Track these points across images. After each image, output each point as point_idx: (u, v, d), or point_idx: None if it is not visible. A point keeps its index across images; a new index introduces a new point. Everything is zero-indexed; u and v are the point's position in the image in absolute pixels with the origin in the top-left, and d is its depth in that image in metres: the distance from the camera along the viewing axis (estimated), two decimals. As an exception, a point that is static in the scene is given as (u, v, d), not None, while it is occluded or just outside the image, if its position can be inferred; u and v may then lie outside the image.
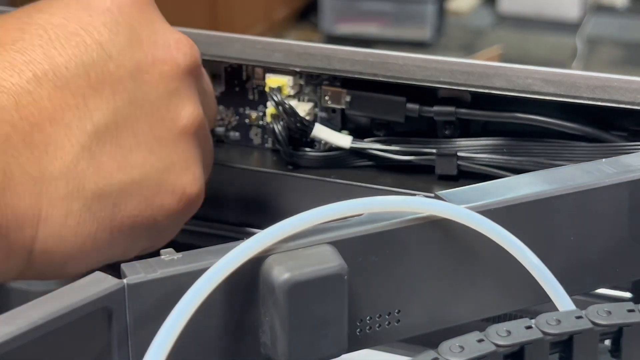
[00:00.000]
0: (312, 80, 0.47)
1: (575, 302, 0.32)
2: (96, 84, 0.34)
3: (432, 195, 0.34)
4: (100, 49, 0.34)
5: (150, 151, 0.35)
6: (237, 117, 0.49)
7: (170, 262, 0.30)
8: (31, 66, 0.33)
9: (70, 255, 0.34)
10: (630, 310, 0.30)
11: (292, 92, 0.46)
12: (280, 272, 0.29)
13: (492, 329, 0.29)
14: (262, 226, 0.31)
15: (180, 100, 0.36)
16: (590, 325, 0.30)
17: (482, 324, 0.32)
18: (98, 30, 0.35)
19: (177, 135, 0.36)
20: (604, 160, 0.37)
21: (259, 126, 0.49)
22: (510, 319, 0.30)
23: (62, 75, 0.33)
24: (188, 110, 0.36)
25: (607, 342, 0.31)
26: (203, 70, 0.39)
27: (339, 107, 0.47)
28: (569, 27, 3.03)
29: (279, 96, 0.45)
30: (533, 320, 0.30)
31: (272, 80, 0.46)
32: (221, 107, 0.49)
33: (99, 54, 0.34)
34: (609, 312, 0.30)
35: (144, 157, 0.35)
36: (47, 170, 0.32)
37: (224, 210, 0.49)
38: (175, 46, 0.36)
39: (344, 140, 0.46)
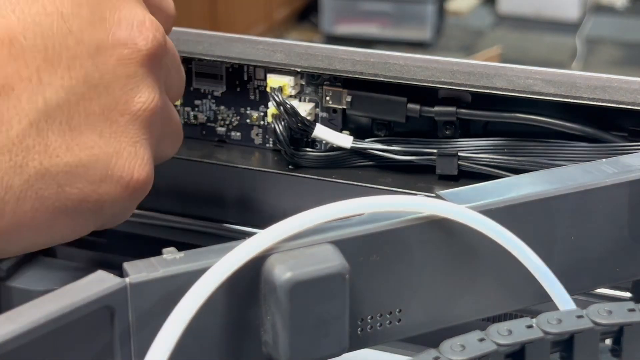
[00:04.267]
0: (313, 81, 0.47)
1: (575, 301, 0.32)
2: (52, 58, 0.32)
3: (433, 195, 0.34)
4: (62, 21, 0.33)
5: (100, 134, 0.34)
6: (238, 118, 0.49)
7: (173, 261, 0.30)
8: None
9: (5, 231, 0.32)
10: (630, 310, 0.30)
11: (293, 92, 0.47)
12: (282, 272, 0.29)
13: (493, 328, 0.29)
14: (263, 226, 0.31)
15: (136, 86, 0.35)
16: (591, 325, 0.30)
17: (483, 324, 0.32)
18: (61, 0, 0.33)
19: (129, 120, 0.34)
20: (604, 160, 0.37)
21: (260, 126, 0.49)
22: (511, 319, 0.30)
23: (19, 43, 0.32)
24: (143, 96, 0.35)
25: (608, 341, 0.31)
26: (169, 47, 0.38)
27: (340, 107, 0.47)
28: (569, 27, 3.03)
29: (280, 96, 0.46)
30: (534, 320, 0.30)
31: (273, 81, 0.46)
32: (222, 107, 0.49)
33: (59, 27, 0.33)
34: (610, 312, 0.30)
35: (94, 140, 0.33)
36: None
37: (226, 210, 0.49)
38: (138, 29, 0.35)
39: (344, 140, 0.46)
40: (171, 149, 0.40)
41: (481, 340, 0.29)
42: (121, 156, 0.34)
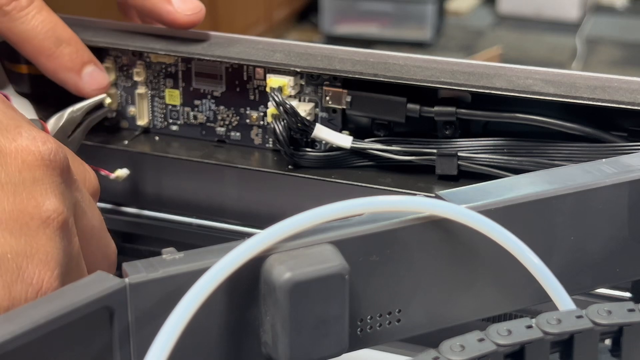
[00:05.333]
0: (312, 81, 0.47)
1: (575, 301, 0.32)
2: None
3: (433, 195, 0.34)
4: None
5: (10, 232, 0.33)
6: (238, 118, 0.49)
7: (172, 261, 0.30)
8: None
9: None
10: (630, 310, 0.30)
11: (292, 93, 0.47)
12: (281, 272, 0.29)
13: (493, 328, 0.29)
14: (262, 226, 0.31)
15: (44, 191, 0.34)
16: (590, 325, 0.30)
17: (482, 324, 0.32)
18: None
19: (39, 225, 0.34)
20: (604, 160, 0.37)
21: (259, 126, 0.49)
22: (510, 319, 0.30)
23: None
24: (52, 203, 0.34)
25: (608, 341, 0.31)
26: (74, 179, 0.37)
27: (339, 107, 0.47)
28: (569, 27, 3.03)
29: (279, 96, 0.46)
30: (533, 320, 0.30)
31: (273, 81, 0.46)
32: (222, 107, 0.49)
33: None
34: (609, 312, 0.30)
35: (4, 237, 0.33)
36: None
37: (226, 210, 0.49)
38: (41, 140, 0.35)
39: (344, 140, 0.46)
40: (104, 263, 0.38)
41: (481, 340, 0.29)
42: (32, 261, 0.33)
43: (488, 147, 0.45)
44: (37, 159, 0.35)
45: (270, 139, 0.49)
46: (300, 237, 0.31)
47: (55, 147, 0.36)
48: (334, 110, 0.47)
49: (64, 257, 0.34)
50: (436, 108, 0.45)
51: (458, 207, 0.32)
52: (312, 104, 0.47)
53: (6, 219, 0.33)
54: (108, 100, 0.49)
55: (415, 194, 0.42)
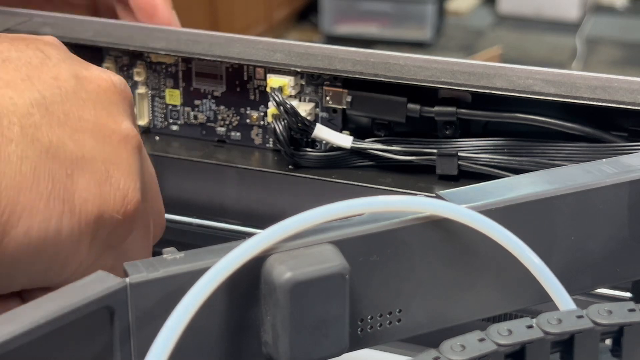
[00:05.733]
0: (313, 81, 0.47)
1: (575, 301, 0.32)
2: (38, 69, 0.34)
3: (433, 195, 0.34)
4: (40, 51, 0.35)
5: (96, 140, 0.34)
6: (238, 118, 0.49)
7: (173, 261, 0.30)
8: None
9: (20, 216, 0.31)
10: (631, 310, 0.30)
11: (293, 93, 0.47)
12: (282, 272, 0.29)
13: (493, 328, 0.29)
14: (263, 226, 0.31)
15: (120, 113, 0.35)
16: (591, 325, 0.30)
17: (483, 324, 0.32)
18: (38, 44, 0.35)
19: (120, 140, 0.34)
20: (604, 160, 0.37)
21: (260, 126, 0.49)
22: (511, 319, 0.30)
23: (2, 53, 0.33)
24: (129, 125, 0.35)
25: (608, 341, 0.31)
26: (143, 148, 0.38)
27: (340, 107, 0.47)
28: (569, 27, 3.03)
29: (280, 96, 0.46)
30: (534, 320, 0.30)
31: (273, 81, 0.46)
32: (222, 107, 0.49)
33: (40, 54, 0.35)
34: (610, 312, 0.30)
35: (91, 143, 0.33)
36: (3, 107, 0.31)
37: (226, 210, 0.49)
38: (112, 73, 0.36)
39: (344, 140, 0.46)
40: (158, 228, 0.39)
41: (481, 340, 0.29)
42: (117, 169, 0.34)
43: (488, 147, 0.45)
44: (112, 86, 0.36)
45: (271, 139, 0.49)
46: (301, 237, 0.31)
47: (126, 83, 0.37)
48: (335, 110, 0.47)
49: (141, 176, 0.35)
50: (436, 108, 0.45)
51: (458, 207, 0.32)
52: (312, 104, 0.47)
53: (91, 129, 0.34)
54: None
55: (415, 194, 0.42)
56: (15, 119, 0.31)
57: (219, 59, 0.47)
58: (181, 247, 0.31)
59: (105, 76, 0.36)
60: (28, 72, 0.33)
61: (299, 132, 0.47)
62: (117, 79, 0.36)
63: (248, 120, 0.49)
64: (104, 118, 0.34)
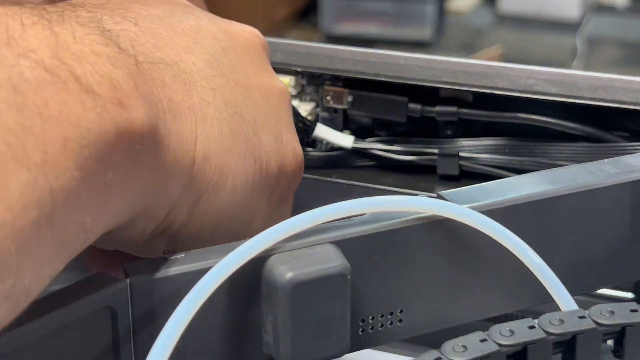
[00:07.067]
0: (314, 80, 0.47)
1: (577, 302, 0.32)
2: (196, 30, 0.34)
3: (434, 195, 0.34)
4: (189, 12, 0.35)
5: (263, 97, 0.35)
6: (239, 117, 0.49)
7: (174, 261, 0.30)
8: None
9: (225, 174, 0.32)
10: (633, 311, 0.30)
11: (294, 92, 0.47)
12: (283, 272, 0.29)
13: (495, 328, 0.29)
14: (264, 226, 0.31)
15: (269, 69, 0.37)
16: (593, 325, 0.30)
17: (484, 324, 0.32)
18: (182, 8, 0.35)
19: (279, 96, 0.36)
20: (606, 160, 0.37)
21: (260, 126, 0.49)
22: (512, 319, 0.30)
23: (161, 19, 0.33)
24: (278, 79, 0.37)
25: (610, 342, 0.31)
26: None
27: (340, 107, 0.47)
28: (569, 27, 3.03)
29: (280, 96, 0.45)
30: (536, 320, 0.30)
31: (274, 80, 0.46)
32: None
33: (189, 15, 0.35)
34: (612, 312, 0.30)
35: (261, 101, 0.35)
36: (192, 71, 0.32)
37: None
38: (245, 26, 0.37)
39: (345, 140, 0.46)
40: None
41: (483, 340, 0.29)
42: (284, 124, 0.36)
43: (489, 147, 0.45)
44: (257, 39, 0.37)
45: (272, 139, 0.49)
46: (302, 237, 0.31)
47: (259, 32, 0.38)
48: (335, 110, 0.47)
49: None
50: (437, 108, 0.45)
51: (460, 207, 0.32)
52: (313, 104, 0.47)
53: (256, 86, 0.35)
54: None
55: (416, 194, 0.42)
56: (205, 83, 0.32)
57: (219, 59, 0.47)
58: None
59: (248, 30, 0.37)
60: (195, 36, 0.34)
61: (299, 132, 0.46)
62: (256, 31, 0.37)
63: (249, 120, 0.49)
64: (262, 73, 0.36)
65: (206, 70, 0.33)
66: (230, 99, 0.33)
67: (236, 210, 0.33)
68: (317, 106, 0.47)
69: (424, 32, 2.95)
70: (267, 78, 0.36)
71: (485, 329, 0.29)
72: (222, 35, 0.35)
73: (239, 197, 0.33)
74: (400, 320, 0.33)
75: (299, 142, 0.36)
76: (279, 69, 0.46)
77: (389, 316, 0.33)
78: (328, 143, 0.47)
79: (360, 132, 0.47)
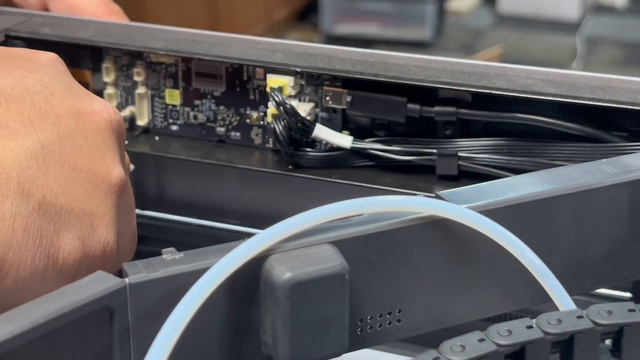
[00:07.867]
0: (313, 81, 0.47)
1: (575, 302, 0.32)
2: (40, 111, 0.34)
3: (433, 195, 0.34)
4: (43, 85, 0.35)
5: (86, 191, 0.34)
6: (238, 118, 0.49)
7: (172, 261, 0.30)
8: None
9: (9, 271, 0.32)
10: (631, 310, 0.30)
11: (293, 93, 0.47)
12: (282, 272, 0.29)
13: (493, 328, 0.29)
14: (263, 226, 0.31)
15: (113, 158, 0.36)
16: (591, 325, 0.30)
17: (483, 324, 0.32)
18: (40, 74, 0.36)
19: (108, 190, 0.35)
20: (604, 160, 0.37)
21: (260, 126, 0.49)
22: (511, 319, 0.30)
23: (7, 93, 0.34)
24: (119, 171, 0.36)
25: (608, 341, 0.31)
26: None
27: (339, 107, 0.47)
28: (569, 27, 3.03)
29: (279, 96, 0.45)
30: (534, 320, 0.30)
31: (273, 81, 0.46)
32: (222, 107, 0.49)
33: (42, 89, 0.35)
34: (610, 312, 0.30)
35: (82, 195, 0.34)
36: (2, 161, 0.32)
37: (225, 210, 0.49)
38: (112, 109, 0.37)
39: (344, 140, 0.46)
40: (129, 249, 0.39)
41: (481, 340, 0.29)
42: (102, 222, 0.35)
43: (488, 147, 0.45)
44: (109, 126, 0.36)
45: (271, 139, 0.49)
46: (301, 237, 0.31)
47: (121, 117, 0.38)
48: (334, 110, 0.47)
49: (118, 223, 0.36)
50: (436, 108, 0.45)
51: (458, 207, 0.32)
52: (312, 104, 0.47)
53: (82, 179, 0.34)
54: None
55: (415, 194, 0.42)
56: (13, 174, 0.32)
57: (218, 59, 0.47)
58: (181, 247, 0.31)
59: (105, 114, 0.36)
60: (30, 115, 0.34)
61: (298, 132, 0.47)
62: (114, 113, 0.37)
63: (248, 120, 0.49)
64: (97, 166, 0.35)
65: (23, 159, 0.32)
66: (40, 192, 0.33)
67: (22, 297, 0.32)
68: (316, 106, 0.47)
69: (424, 33, 2.95)
70: (103, 172, 0.35)
71: (483, 329, 0.29)
72: (67, 120, 0.35)
73: (22, 291, 0.32)
74: (399, 320, 0.33)
75: (116, 241, 0.35)
76: (278, 69, 0.46)
77: (388, 316, 0.33)
78: (327, 143, 0.47)
79: (359, 133, 0.47)
